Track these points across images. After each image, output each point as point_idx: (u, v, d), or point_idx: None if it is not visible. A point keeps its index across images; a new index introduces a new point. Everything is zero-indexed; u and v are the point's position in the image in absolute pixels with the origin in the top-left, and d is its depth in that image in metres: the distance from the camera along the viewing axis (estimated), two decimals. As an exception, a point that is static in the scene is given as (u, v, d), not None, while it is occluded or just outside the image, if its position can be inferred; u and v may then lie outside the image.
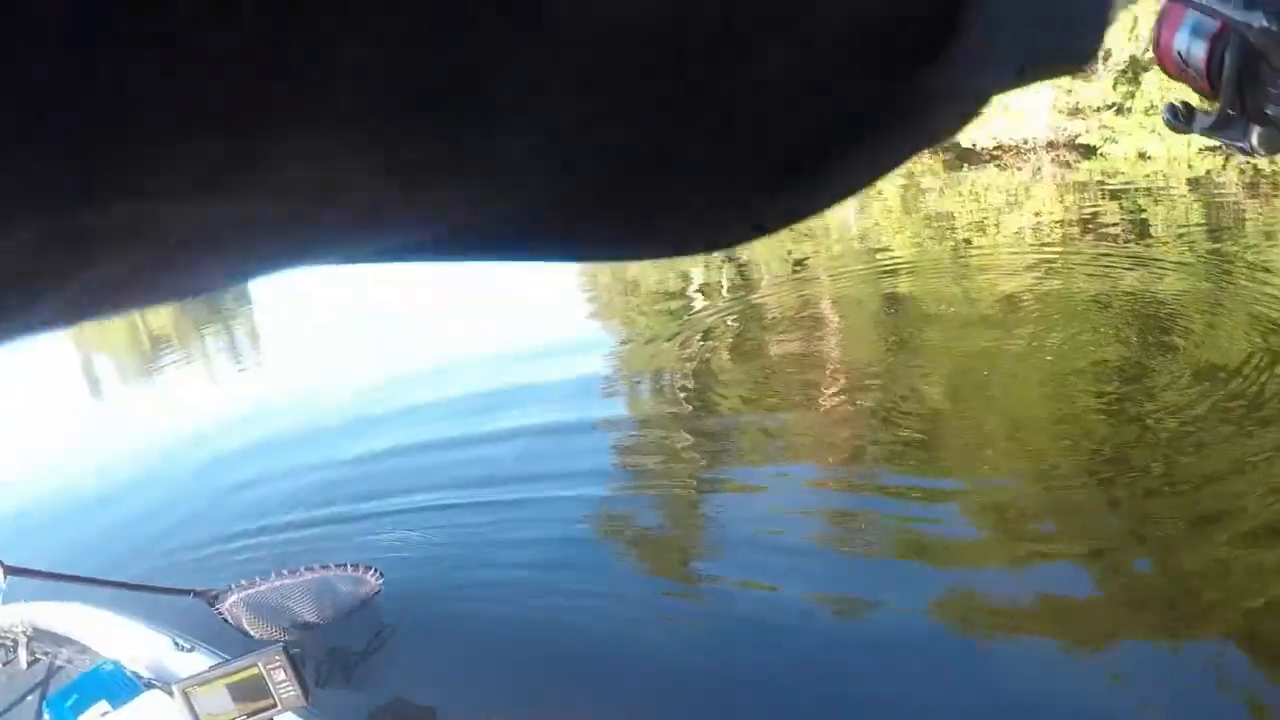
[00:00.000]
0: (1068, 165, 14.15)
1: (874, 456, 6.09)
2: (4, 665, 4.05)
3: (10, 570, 2.77)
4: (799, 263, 12.33)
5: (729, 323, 10.58)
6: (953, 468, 5.67)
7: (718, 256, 15.33)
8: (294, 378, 14.61)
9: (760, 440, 6.62)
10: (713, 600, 4.82)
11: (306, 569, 4.61)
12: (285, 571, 4.56)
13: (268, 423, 11.34)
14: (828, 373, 7.88)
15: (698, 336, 10.32)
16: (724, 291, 12.34)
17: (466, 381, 10.53)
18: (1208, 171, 12.10)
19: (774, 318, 10.14)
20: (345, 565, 4.59)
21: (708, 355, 9.19)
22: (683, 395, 8.00)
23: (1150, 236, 9.88)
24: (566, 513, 5.97)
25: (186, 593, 4.14)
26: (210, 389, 16.63)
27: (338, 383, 12.12)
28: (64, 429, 13.54)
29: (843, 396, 7.15)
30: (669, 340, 10.85)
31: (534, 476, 6.66)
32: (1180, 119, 0.85)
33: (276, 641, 2.46)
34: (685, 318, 11.68)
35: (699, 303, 12.28)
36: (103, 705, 3.22)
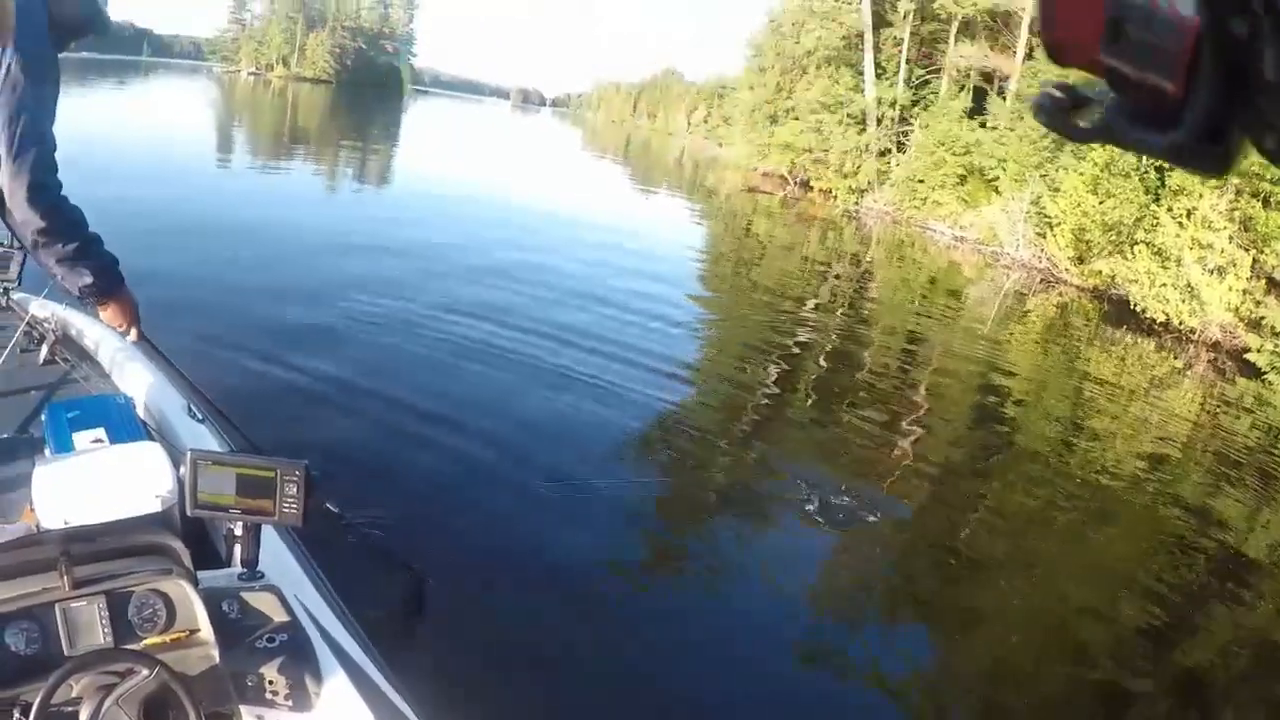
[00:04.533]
0: (1223, 374, 13.14)
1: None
2: (21, 352, 3.92)
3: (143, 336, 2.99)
4: (920, 321, 11.68)
5: (824, 349, 10.06)
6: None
7: (846, 286, 14.82)
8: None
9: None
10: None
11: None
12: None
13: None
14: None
15: (792, 339, 9.92)
16: (836, 316, 11.90)
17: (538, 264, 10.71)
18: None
19: (863, 371, 9.54)
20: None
21: (782, 369, 8.65)
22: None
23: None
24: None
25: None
26: (323, 195, 17.10)
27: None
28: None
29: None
30: (760, 321, 10.54)
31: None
32: (1062, 108, 0.46)
33: (303, 460, 2.21)
34: (789, 318, 11.27)
35: (809, 310, 11.83)
36: (99, 432, 3.08)
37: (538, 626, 3.84)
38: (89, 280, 2.62)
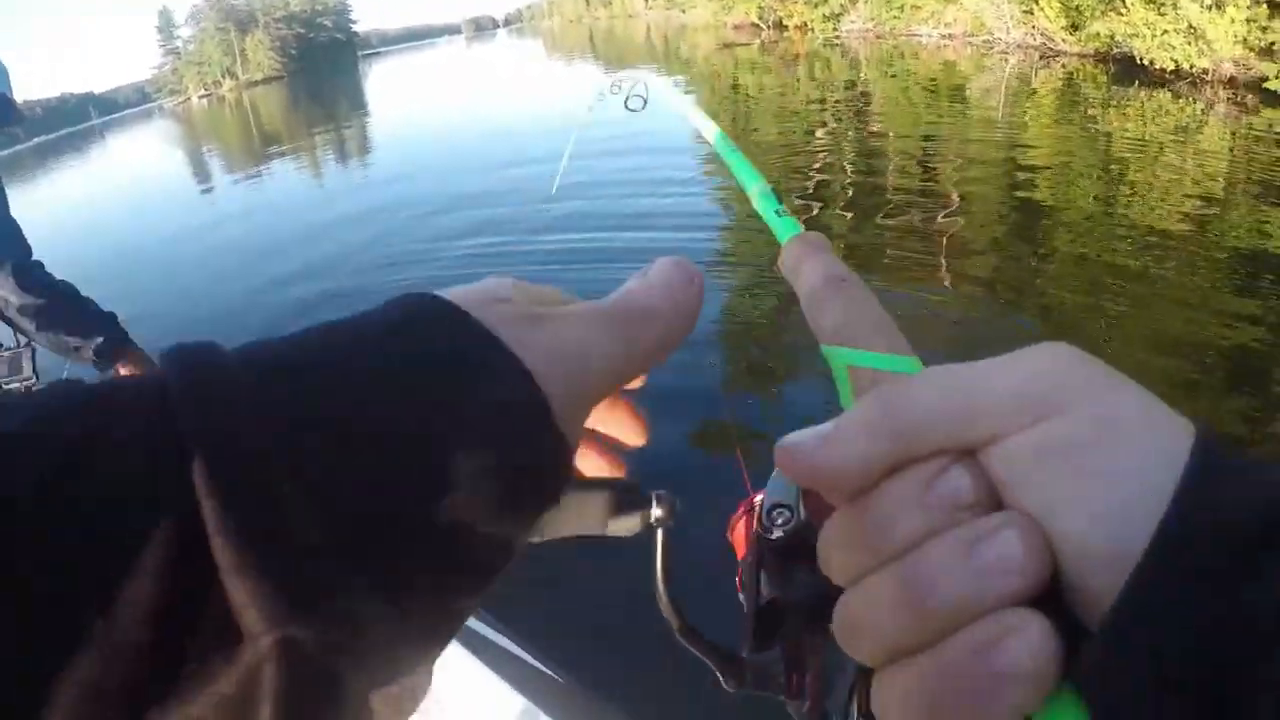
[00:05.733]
0: (1245, 107, 12.64)
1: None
2: None
3: None
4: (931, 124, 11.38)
5: (843, 179, 9.79)
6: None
7: (848, 111, 14.39)
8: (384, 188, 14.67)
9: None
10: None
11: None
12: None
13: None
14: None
15: (809, 179, 9.65)
16: (847, 143, 11.60)
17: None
18: None
19: (887, 188, 9.26)
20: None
21: (809, 207, 8.44)
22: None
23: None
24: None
25: None
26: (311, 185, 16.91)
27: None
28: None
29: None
30: (772, 168, 10.29)
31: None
32: None
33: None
34: (800, 158, 10.93)
35: (818, 146, 11.51)
36: None
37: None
38: (100, 339, 2.79)
